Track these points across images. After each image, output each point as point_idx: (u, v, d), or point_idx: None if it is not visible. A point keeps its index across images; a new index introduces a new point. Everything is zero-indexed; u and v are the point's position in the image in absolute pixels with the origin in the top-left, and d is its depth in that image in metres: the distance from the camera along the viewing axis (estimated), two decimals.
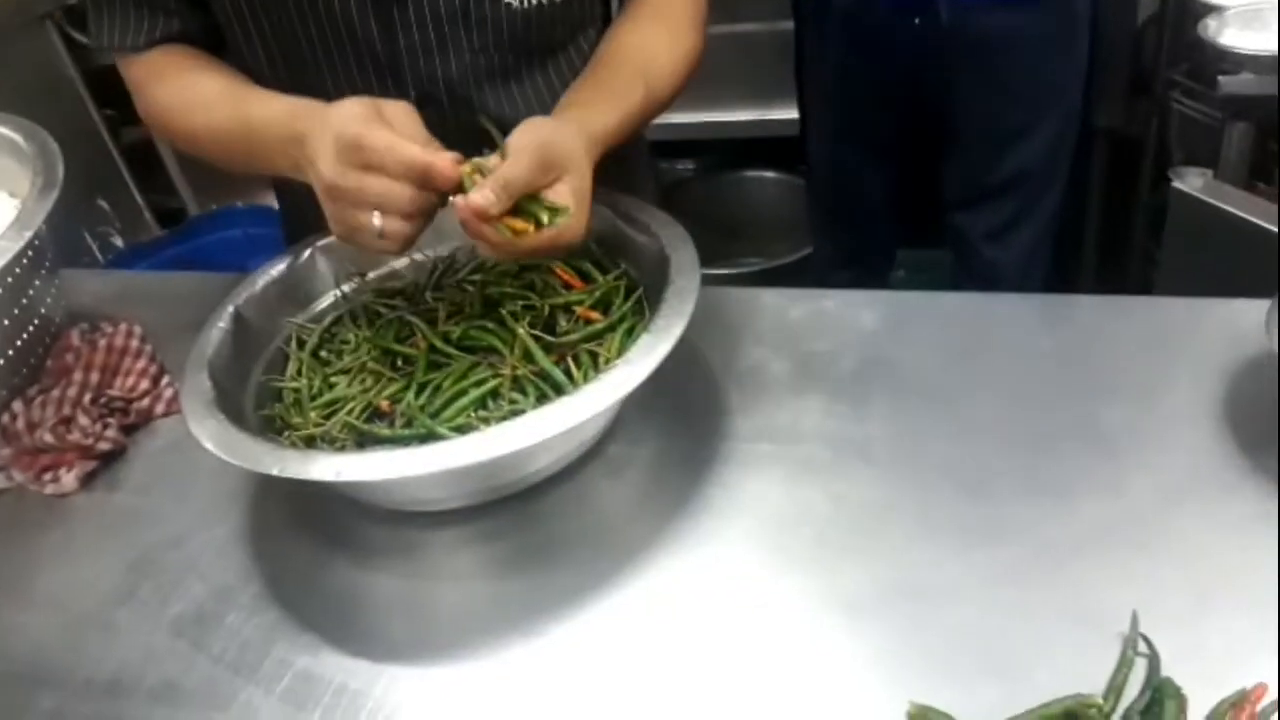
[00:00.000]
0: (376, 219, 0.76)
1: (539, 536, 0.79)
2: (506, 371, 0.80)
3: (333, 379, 0.86)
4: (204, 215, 2.37)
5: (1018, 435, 0.79)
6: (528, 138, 0.77)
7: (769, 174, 2.53)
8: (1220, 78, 1.50)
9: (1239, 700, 0.59)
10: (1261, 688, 0.60)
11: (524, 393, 0.80)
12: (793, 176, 2.43)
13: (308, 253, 0.94)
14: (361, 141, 0.74)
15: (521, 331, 0.82)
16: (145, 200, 2.45)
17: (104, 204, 2.32)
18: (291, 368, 0.88)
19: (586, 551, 0.77)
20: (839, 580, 0.71)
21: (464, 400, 0.79)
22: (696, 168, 2.55)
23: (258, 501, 0.86)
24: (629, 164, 1.10)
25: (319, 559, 0.80)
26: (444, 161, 0.75)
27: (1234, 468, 0.74)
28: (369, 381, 0.84)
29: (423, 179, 0.75)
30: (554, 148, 0.77)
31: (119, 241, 2.33)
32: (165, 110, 0.96)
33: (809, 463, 0.81)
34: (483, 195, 0.73)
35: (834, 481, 0.79)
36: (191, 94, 0.93)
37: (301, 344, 0.89)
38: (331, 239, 0.92)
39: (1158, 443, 0.77)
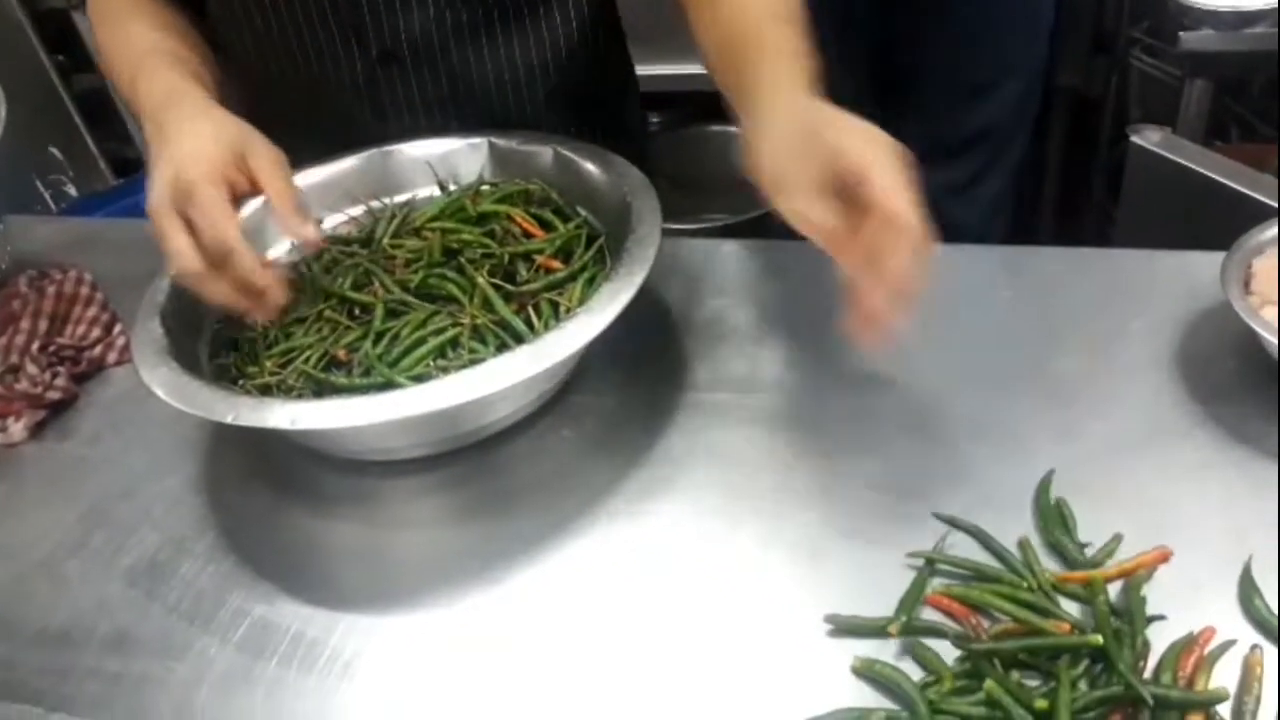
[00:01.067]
0: (172, 265, 0.75)
1: (499, 485, 0.79)
2: (466, 320, 0.79)
3: (289, 327, 0.84)
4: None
5: (974, 383, 0.80)
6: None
7: (735, 129, 2.51)
8: (1181, 34, 1.50)
9: (1188, 644, 0.61)
10: (1209, 631, 0.61)
11: (484, 342, 0.80)
12: None
13: (262, 199, 0.92)
14: (193, 193, 0.73)
15: (481, 280, 0.81)
16: (99, 149, 2.39)
17: (56, 152, 2.26)
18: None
19: (546, 499, 0.77)
20: (796, 526, 0.71)
21: (422, 349, 0.78)
22: (661, 122, 2.52)
23: (213, 451, 0.85)
24: (619, 115, 1.09)
25: (275, 508, 0.80)
26: (251, 260, 0.74)
27: (1187, 416, 0.75)
28: (325, 330, 0.83)
29: (222, 262, 0.74)
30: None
31: (73, 190, 2.28)
32: (101, 53, 0.93)
33: (768, 410, 0.81)
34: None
35: (792, 429, 0.79)
36: (121, 43, 0.90)
37: None
38: None
39: (1112, 391, 0.77)
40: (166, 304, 0.81)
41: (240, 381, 0.81)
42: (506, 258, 0.84)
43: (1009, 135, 1.62)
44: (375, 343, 0.80)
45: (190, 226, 0.74)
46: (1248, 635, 0.61)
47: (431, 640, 0.69)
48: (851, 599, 0.66)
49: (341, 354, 0.80)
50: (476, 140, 0.92)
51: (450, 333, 0.79)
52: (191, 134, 0.76)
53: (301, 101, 0.97)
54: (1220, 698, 0.57)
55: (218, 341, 0.85)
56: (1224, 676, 0.59)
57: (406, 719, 0.64)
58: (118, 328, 0.97)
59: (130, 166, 2.39)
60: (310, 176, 0.91)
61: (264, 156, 0.77)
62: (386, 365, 0.77)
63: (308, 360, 0.80)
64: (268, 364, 0.81)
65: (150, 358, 0.76)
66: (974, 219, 1.66)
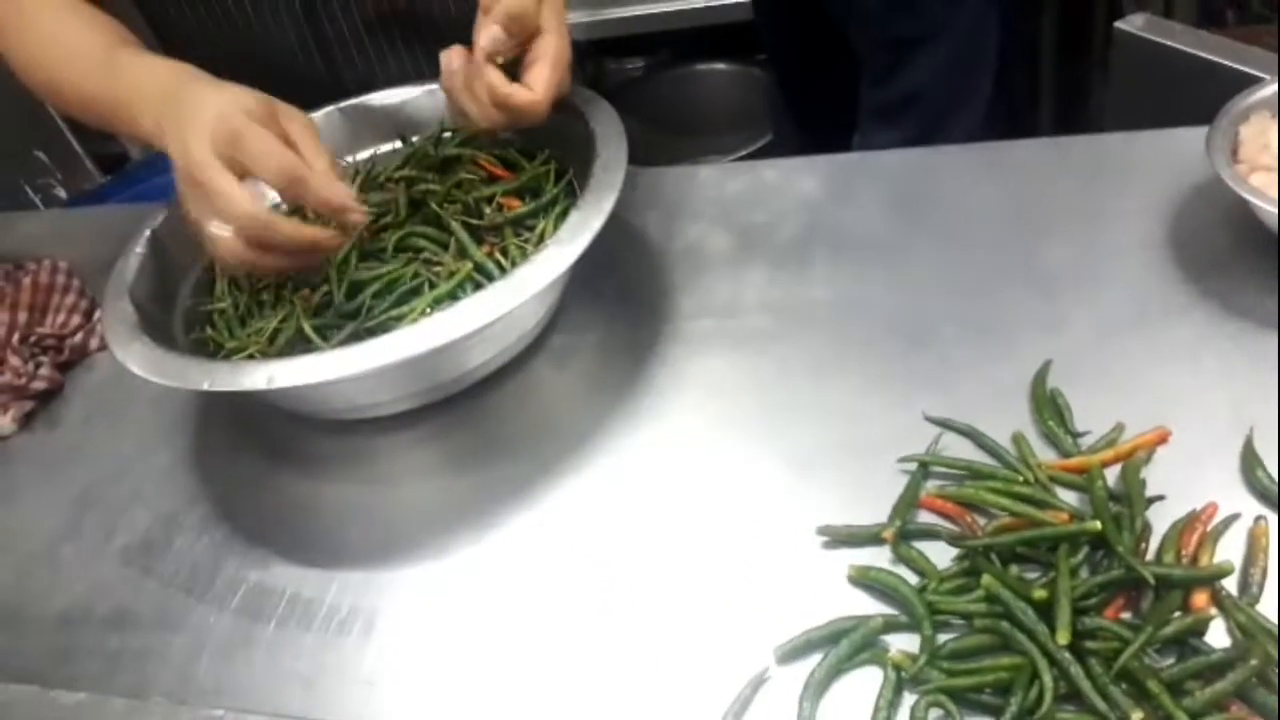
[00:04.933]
0: (214, 226, 0.70)
1: (487, 432, 0.78)
2: (443, 269, 0.78)
3: (261, 295, 0.83)
4: (146, 159, 2.30)
5: (960, 282, 0.78)
6: None
7: (722, 66, 2.45)
8: None
9: (1189, 521, 0.59)
10: (1212, 507, 0.60)
11: (462, 289, 0.78)
12: (748, 67, 2.36)
13: None
14: (242, 136, 0.68)
15: (455, 224, 0.79)
16: (84, 148, 2.37)
17: (41, 155, 2.25)
18: (219, 287, 0.85)
19: (535, 442, 0.76)
20: (787, 441, 0.70)
21: (394, 295, 0.77)
22: (646, 65, 2.48)
23: (200, 427, 0.85)
24: None
25: (265, 475, 0.79)
26: (327, 177, 0.69)
27: (1180, 294, 0.73)
28: (298, 302, 0.81)
29: (296, 190, 0.69)
30: None
31: (62, 193, 2.27)
32: (31, 61, 0.88)
33: (753, 332, 0.79)
34: (489, 34, 0.70)
35: (778, 347, 0.77)
36: (59, 40, 0.86)
37: None
38: None
39: (1101, 277, 0.75)
40: (136, 282, 0.81)
41: (219, 355, 0.80)
42: (473, 202, 0.82)
43: (944, 100, 1.52)
44: (350, 296, 0.79)
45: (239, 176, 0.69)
46: (1252, 508, 0.59)
47: (428, 590, 0.68)
48: (846, 509, 0.64)
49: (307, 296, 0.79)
50: (433, 86, 0.90)
51: (413, 283, 0.77)
52: (220, 93, 0.72)
53: (240, 51, 0.94)
54: (1224, 572, 0.55)
55: (192, 318, 0.84)
56: (1229, 551, 0.57)
57: (407, 669, 0.64)
58: (97, 314, 0.96)
59: (116, 163, 2.38)
60: None
61: (296, 119, 0.73)
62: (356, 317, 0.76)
63: (284, 332, 0.79)
64: (245, 336, 0.80)
65: (123, 335, 0.75)
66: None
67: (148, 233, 0.85)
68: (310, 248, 0.73)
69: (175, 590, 0.72)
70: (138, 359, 0.73)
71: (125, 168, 2.31)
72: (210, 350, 0.81)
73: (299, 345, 0.78)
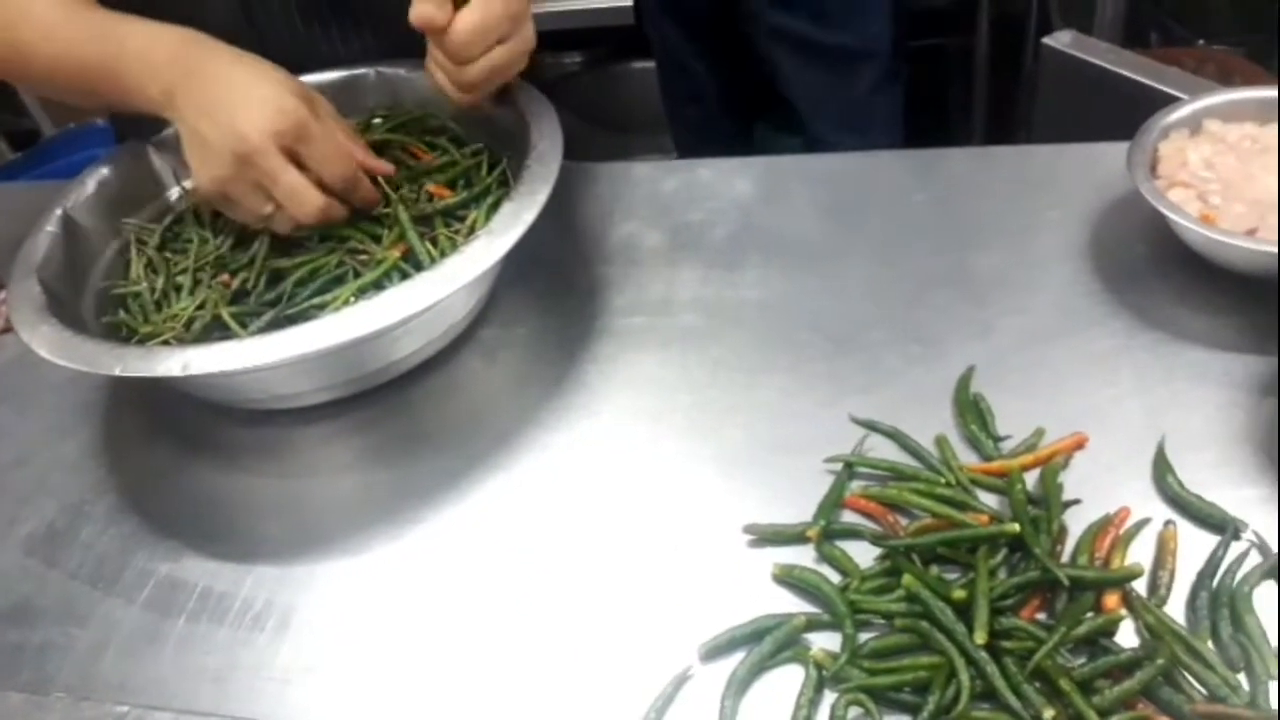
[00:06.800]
0: (269, 207, 0.73)
1: (411, 425, 0.77)
2: (369, 258, 0.76)
3: (178, 279, 0.80)
4: (60, 135, 2.21)
5: (889, 288, 0.79)
6: None
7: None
8: None
9: (1103, 525, 0.61)
10: (1125, 511, 0.61)
11: (388, 279, 0.76)
12: None
13: (141, 150, 0.88)
14: (307, 132, 0.71)
15: (401, 210, 0.78)
16: None
17: None
18: (134, 270, 0.82)
19: (460, 436, 0.75)
20: (715, 440, 0.70)
21: (315, 284, 0.75)
22: (583, 60, 2.47)
23: (110, 414, 0.82)
24: None
25: (178, 466, 0.76)
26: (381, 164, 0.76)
27: (1100, 304, 0.74)
28: (216, 289, 0.79)
29: (349, 189, 0.75)
30: None
31: None
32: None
33: (685, 331, 0.79)
34: None
35: (710, 347, 0.77)
36: (27, 23, 0.81)
37: (142, 245, 0.83)
38: (166, 134, 0.85)
39: (1026, 285, 0.77)
40: (45, 262, 0.77)
41: (132, 340, 0.78)
42: (398, 187, 0.80)
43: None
44: (271, 284, 0.76)
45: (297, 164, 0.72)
46: (1162, 513, 0.61)
47: (346, 586, 0.66)
48: (772, 508, 0.65)
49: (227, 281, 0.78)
50: (362, 70, 0.88)
51: (349, 267, 0.76)
52: (261, 75, 0.73)
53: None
54: (1134, 574, 0.56)
55: (104, 301, 0.81)
56: (1139, 554, 0.59)
57: (322, 666, 0.62)
58: (2, 294, 0.92)
59: (28, 139, 2.29)
60: None
61: (328, 110, 0.77)
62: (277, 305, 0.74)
63: (201, 317, 0.76)
64: (159, 320, 0.77)
65: (30, 316, 0.72)
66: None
67: (59, 211, 0.82)
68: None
69: (80, 583, 0.69)
70: (45, 341, 0.70)
71: (37, 144, 2.23)
72: (123, 335, 0.78)
73: (216, 332, 0.75)
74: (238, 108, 0.71)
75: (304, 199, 0.73)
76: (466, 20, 0.72)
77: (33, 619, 0.67)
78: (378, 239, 0.78)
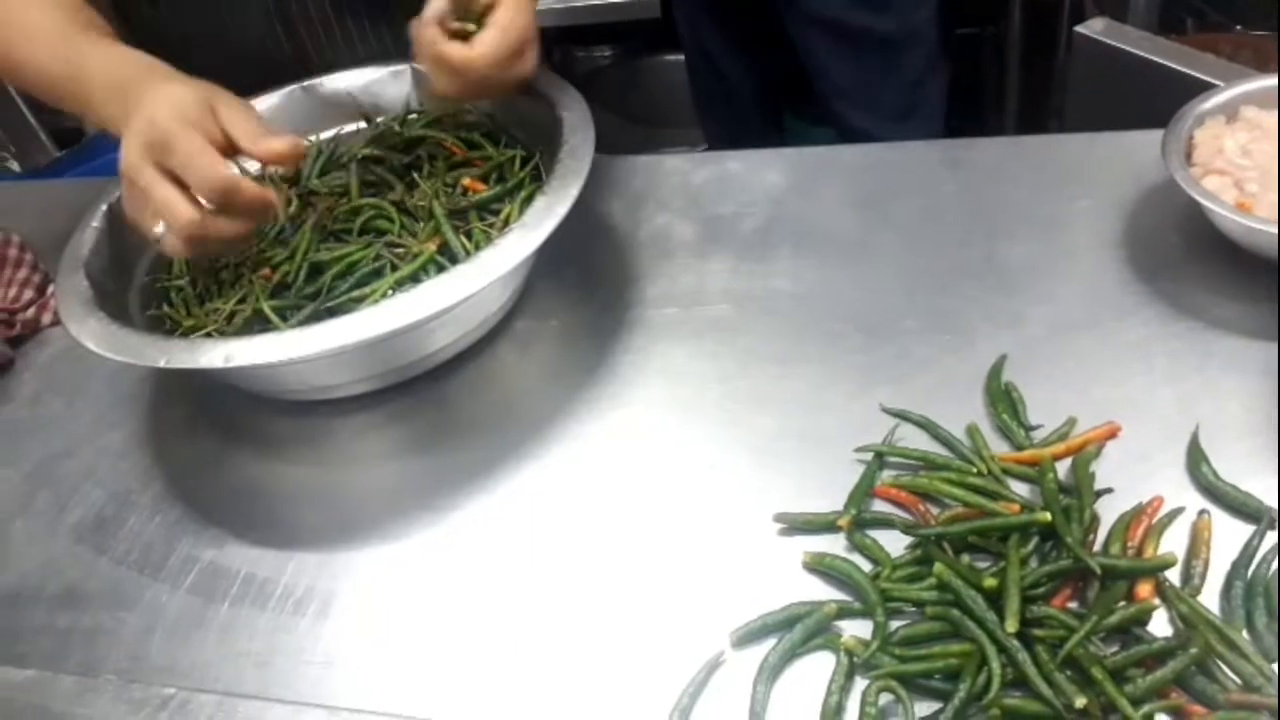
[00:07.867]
0: (159, 227, 0.70)
1: (448, 415, 0.78)
2: (406, 251, 0.78)
3: (221, 273, 0.82)
4: (103, 132, 2.25)
5: (920, 278, 0.79)
6: None
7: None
8: None
9: (1136, 514, 0.60)
10: (1158, 500, 0.61)
11: (425, 271, 0.78)
12: None
13: None
14: (170, 142, 0.68)
15: (437, 205, 0.79)
16: (39, 121, 2.32)
17: None
18: (178, 264, 0.84)
19: (494, 427, 0.76)
20: (746, 430, 0.71)
21: (356, 276, 0.77)
22: (615, 54, 2.47)
23: (156, 405, 0.84)
24: None
25: (221, 455, 0.78)
26: (248, 182, 0.69)
27: (1133, 293, 0.74)
28: (259, 281, 0.81)
29: (224, 199, 0.68)
30: None
31: (16, 166, 2.21)
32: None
33: (716, 322, 0.80)
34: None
35: (740, 338, 0.78)
36: (22, 19, 0.83)
37: None
38: None
39: (1058, 275, 0.77)
40: (91, 257, 0.79)
41: (175, 333, 0.79)
42: (442, 184, 0.81)
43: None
44: (310, 278, 0.78)
45: (173, 179, 0.69)
46: (1196, 503, 0.61)
47: (385, 572, 0.68)
48: (803, 497, 0.65)
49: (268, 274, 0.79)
50: (398, 67, 0.89)
51: (387, 260, 0.77)
52: (159, 93, 0.71)
53: (207, 32, 0.93)
54: (1168, 563, 0.56)
55: (149, 295, 0.83)
56: (1173, 544, 0.59)
57: (362, 651, 0.64)
58: (51, 288, 0.95)
59: (71, 137, 2.33)
60: None
61: (234, 106, 0.73)
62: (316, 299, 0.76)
63: (243, 313, 0.78)
64: (203, 314, 0.79)
65: (77, 310, 0.74)
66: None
67: (104, 207, 0.83)
68: (247, 237, 0.73)
69: (128, 569, 0.71)
70: (92, 335, 0.71)
71: (81, 142, 2.26)
72: (167, 328, 0.80)
73: (257, 325, 0.77)
74: (128, 125, 0.70)
75: (175, 212, 0.68)
76: (485, 47, 0.74)
77: (82, 604, 0.69)
78: (414, 233, 0.79)
